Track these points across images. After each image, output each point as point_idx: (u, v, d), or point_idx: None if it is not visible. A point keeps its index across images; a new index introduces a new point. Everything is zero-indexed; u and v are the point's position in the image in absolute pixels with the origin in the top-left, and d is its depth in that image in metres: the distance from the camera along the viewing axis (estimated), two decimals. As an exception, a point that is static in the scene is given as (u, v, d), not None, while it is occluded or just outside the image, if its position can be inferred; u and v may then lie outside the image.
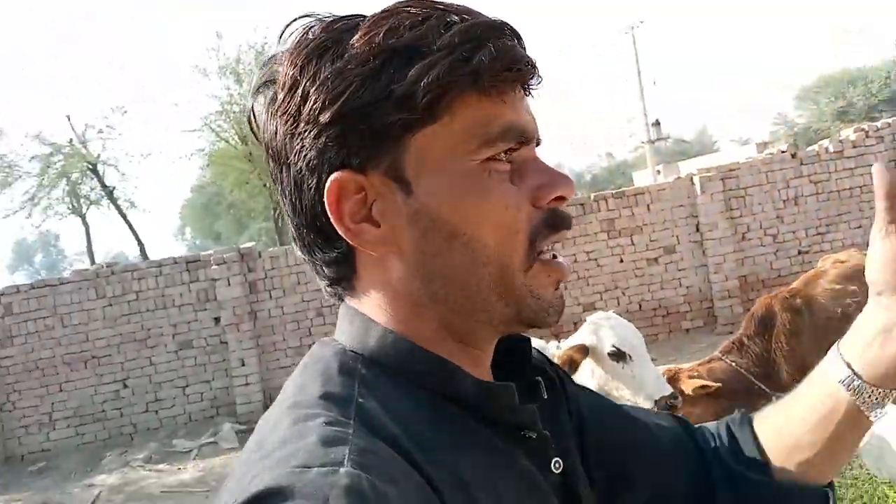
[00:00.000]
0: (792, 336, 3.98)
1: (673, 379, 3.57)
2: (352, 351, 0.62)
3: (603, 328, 3.11)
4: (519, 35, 0.62)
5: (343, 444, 0.50)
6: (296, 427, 0.54)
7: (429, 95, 0.57)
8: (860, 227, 8.81)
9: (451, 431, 0.58)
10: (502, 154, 0.60)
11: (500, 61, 0.58)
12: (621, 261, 8.86)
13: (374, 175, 0.60)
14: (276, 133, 0.62)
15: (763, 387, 3.79)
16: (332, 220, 0.60)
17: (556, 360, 2.82)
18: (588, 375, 3.09)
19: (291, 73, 0.60)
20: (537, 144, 0.65)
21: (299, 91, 0.60)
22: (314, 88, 0.59)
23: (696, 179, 8.76)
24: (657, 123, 26.65)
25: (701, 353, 6.02)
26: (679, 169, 21.27)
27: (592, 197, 9.01)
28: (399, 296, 0.63)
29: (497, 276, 0.60)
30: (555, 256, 0.63)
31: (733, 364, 3.86)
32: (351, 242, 0.61)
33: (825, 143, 9.20)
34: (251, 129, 0.66)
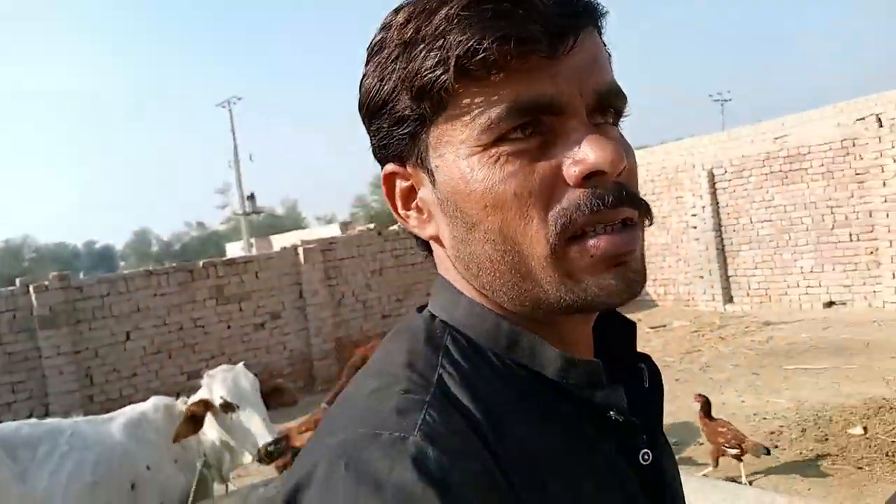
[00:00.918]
0: None
1: (285, 438, 4.06)
2: (441, 321, 0.63)
3: (215, 380, 3.12)
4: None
5: (417, 413, 0.52)
6: (377, 393, 0.56)
7: (428, 86, 0.56)
8: (429, 294, 10.40)
9: (530, 408, 0.57)
10: (516, 133, 0.55)
11: (477, 40, 0.53)
12: (228, 327, 9.09)
13: (411, 166, 0.61)
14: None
15: None
16: (389, 206, 0.65)
17: (181, 417, 2.93)
18: (209, 427, 3.07)
19: (365, 65, 0.63)
20: (604, 103, 0.58)
21: (361, 83, 0.63)
22: (364, 81, 0.62)
23: (300, 250, 9.58)
24: (252, 197, 27.49)
25: (302, 411, 6.57)
26: (271, 242, 22.13)
27: (202, 264, 9.14)
28: (458, 276, 0.63)
29: (523, 263, 0.57)
30: (611, 230, 0.56)
31: None
32: (404, 226, 0.65)
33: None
34: None
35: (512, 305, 0.60)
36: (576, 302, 0.57)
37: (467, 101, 0.56)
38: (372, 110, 0.62)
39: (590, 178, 0.56)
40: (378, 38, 0.61)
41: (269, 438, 3.07)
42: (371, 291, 10.20)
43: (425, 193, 0.62)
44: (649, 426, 0.64)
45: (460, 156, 0.58)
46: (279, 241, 18.92)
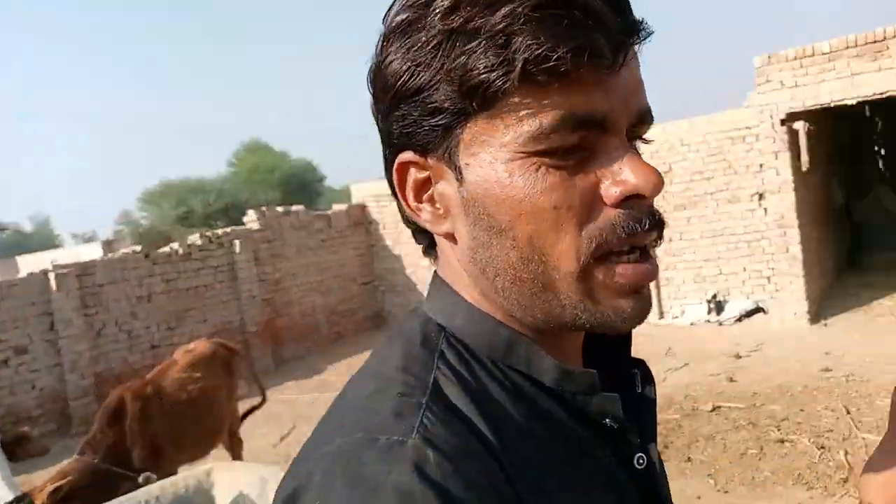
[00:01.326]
0: (143, 423, 4.42)
1: (27, 496, 3.58)
2: (437, 324, 0.62)
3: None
4: (614, 6, 0.55)
5: (414, 416, 0.52)
6: (372, 396, 0.56)
7: (473, 83, 0.53)
8: (205, 320, 9.94)
9: (527, 414, 0.57)
10: (559, 147, 0.54)
11: (550, 46, 0.51)
12: (-40, 365, 7.90)
13: (434, 158, 0.59)
14: (372, 103, 0.63)
15: (124, 471, 4.12)
16: (398, 195, 0.62)
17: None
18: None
19: (379, 47, 0.60)
20: (638, 125, 0.58)
21: (381, 65, 0.59)
22: (388, 65, 0.58)
23: (50, 276, 8.55)
24: (-7, 213, 24.25)
25: (57, 457, 5.88)
26: (17, 263, 19.77)
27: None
28: (466, 277, 0.62)
29: (546, 276, 0.56)
30: (641, 257, 0.57)
31: (92, 460, 4.09)
32: (413, 220, 0.63)
33: (175, 245, 10.13)
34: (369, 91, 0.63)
35: (521, 313, 0.59)
36: (590, 322, 0.57)
37: (517, 104, 0.54)
38: (401, 95, 0.58)
39: (627, 199, 0.55)
40: (407, 17, 0.57)
41: (10, 497, 2.84)
42: (137, 320, 9.35)
43: (445, 189, 0.60)
44: (643, 431, 0.64)
45: (499, 159, 0.56)
46: (27, 264, 16.88)
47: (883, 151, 12.67)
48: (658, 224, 0.57)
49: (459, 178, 0.58)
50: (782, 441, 5.26)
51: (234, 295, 10.37)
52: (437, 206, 0.61)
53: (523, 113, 0.54)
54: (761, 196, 8.85)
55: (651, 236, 0.57)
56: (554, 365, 0.59)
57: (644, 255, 0.57)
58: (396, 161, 0.61)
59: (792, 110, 8.29)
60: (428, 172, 0.60)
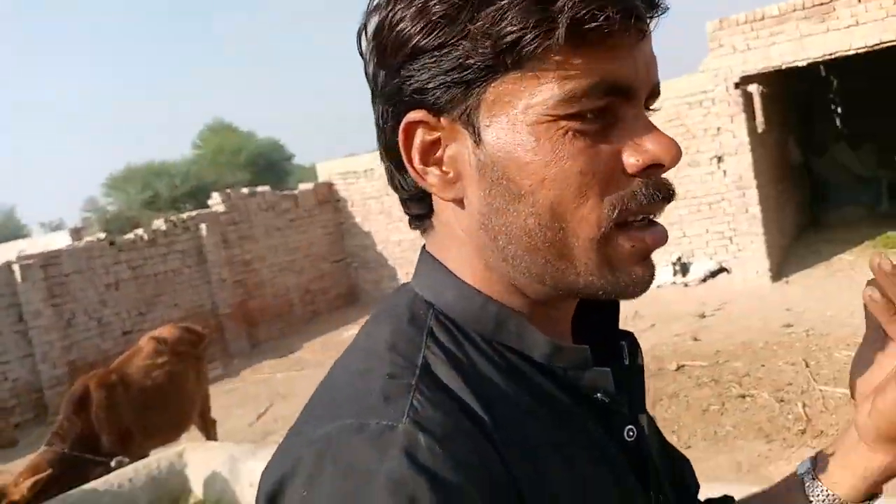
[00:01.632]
0: (109, 409, 4.47)
1: (1, 495, 3.63)
2: (425, 301, 0.61)
3: None
4: None
5: (403, 399, 0.51)
6: (359, 378, 0.54)
7: (509, 40, 0.51)
8: (176, 305, 9.92)
9: (518, 391, 0.56)
10: (588, 112, 0.53)
11: (598, 6, 0.50)
12: (-72, 361, 7.82)
13: (448, 118, 0.57)
14: (369, 61, 0.60)
15: (94, 458, 4.20)
16: (403, 158, 0.59)
17: None
18: None
19: (380, 3, 0.58)
20: (651, 98, 0.58)
21: (387, 22, 0.56)
22: (400, 21, 0.55)
23: (15, 267, 8.46)
24: (-48, 205, 23.72)
25: (32, 446, 5.91)
26: (-16, 255, 19.36)
27: None
28: (470, 246, 0.60)
29: (564, 243, 0.55)
30: (651, 223, 0.57)
31: (61, 450, 4.15)
32: (418, 183, 0.60)
33: (140, 231, 10.06)
34: (359, 51, 0.61)
35: (529, 282, 0.59)
36: (604, 289, 0.57)
37: (553, 65, 0.52)
38: (417, 51, 0.55)
39: (647, 168, 0.56)
40: None
41: None
42: (107, 308, 9.32)
43: (458, 151, 0.58)
44: (632, 402, 0.64)
45: (523, 121, 0.54)
46: (-8, 255, 16.58)
47: (839, 110, 12.89)
48: (672, 195, 0.58)
49: (477, 140, 0.56)
50: (743, 396, 5.45)
51: (203, 279, 10.36)
52: (446, 169, 0.58)
53: (557, 74, 0.52)
54: (720, 159, 9.00)
55: (664, 206, 0.58)
56: (545, 340, 0.59)
57: (653, 222, 0.58)
58: (404, 121, 0.58)
59: (745, 73, 8.42)
60: (438, 134, 0.58)
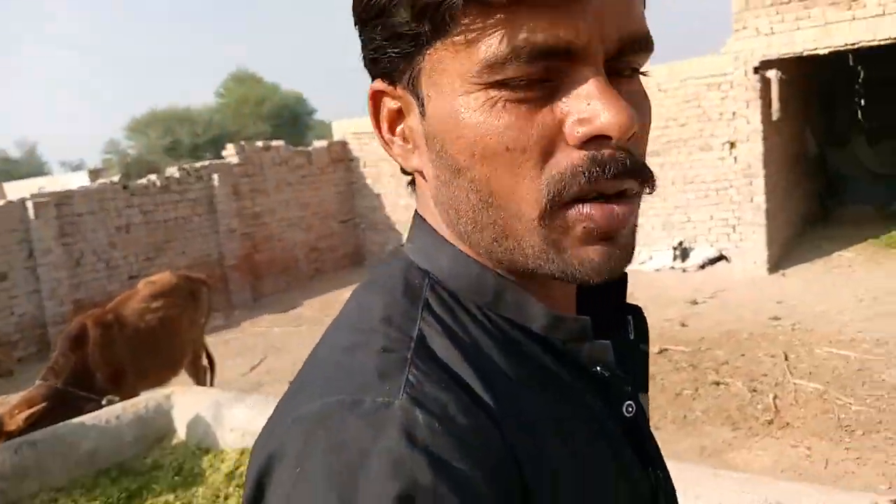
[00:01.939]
0: (105, 348, 4.61)
1: None
2: (420, 268, 0.58)
3: None
4: None
5: (400, 374, 0.48)
6: (352, 352, 0.52)
7: (422, 4, 0.49)
8: (184, 252, 10.11)
9: (517, 364, 0.54)
10: (517, 79, 0.49)
11: None
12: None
13: (402, 87, 0.55)
14: None
15: (87, 394, 4.34)
16: (373, 126, 0.58)
17: None
18: None
19: None
20: (631, 54, 0.51)
21: None
22: None
23: (29, 204, 8.68)
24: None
25: (32, 381, 6.11)
26: (4, 190, 19.76)
27: None
28: (440, 217, 0.58)
29: (506, 223, 0.52)
30: (614, 200, 0.51)
31: (56, 385, 4.28)
32: (387, 153, 0.59)
33: (153, 177, 10.20)
34: None
35: (488, 260, 0.56)
36: (554, 273, 0.53)
37: (472, 29, 0.49)
38: (363, 18, 0.54)
39: (594, 140, 0.50)
40: None
41: None
42: (116, 250, 9.52)
43: (413, 122, 0.56)
44: (633, 378, 0.62)
45: (456, 90, 0.51)
46: (14, 190, 16.91)
47: (863, 102, 12.67)
48: (633, 170, 0.51)
49: (422, 111, 0.54)
50: (718, 383, 5.54)
51: (213, 228, 10.52)
52: (407, 140, 0.57)
53: (481, 42, 0.49)
54: (732, 144, 8.93)
55: (623, 184, 0.51)
56: (544, 311, 0.56)
57: (619, 198, 0.51)
58: (370, 89, 0.57)
59: (766, 58, 8.28)
60: (399, 104, 0.56)
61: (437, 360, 0.51)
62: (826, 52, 8.05)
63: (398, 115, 0.57)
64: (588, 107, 0.49)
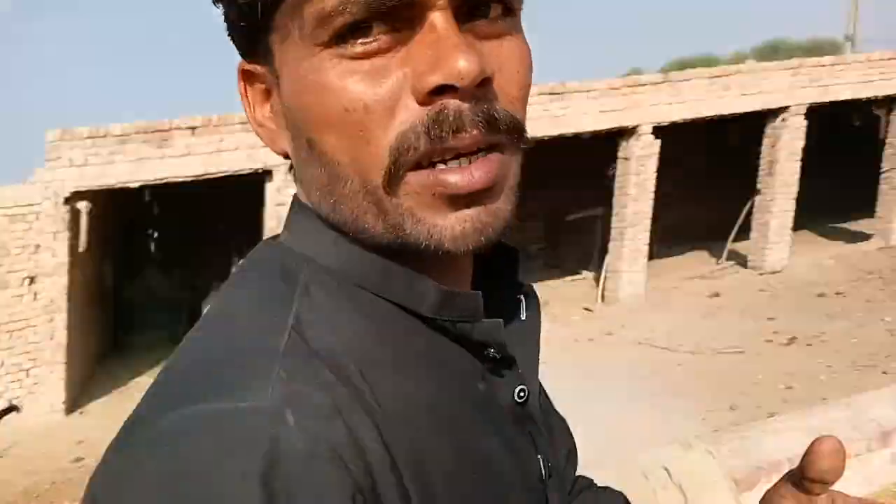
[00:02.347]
0: None
1: None
2: (298, 253, 0.53)
3: None
4: None
5: (269, 372, 0.43)
6: (218, 349, 0.46)
7: None
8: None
9: (404, 350, 0.50)
10: (350, 34, 0.44)
11: None
12: None
13: (262, 65, 0.51)
14: None
15: None
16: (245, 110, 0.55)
17: None
18: None
19: None
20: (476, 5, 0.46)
21: None
22: None
23: None
24: None
25: None
26: None
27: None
28: (311, 198, 0.53)
29: (361, 193, 0.47)
30: (473, 160, 0.46)
31: None
32: (257, 135, 0.55)
33: None
34: None
35: (368, 240, 0.50)
36: (407, 247, 0.48)
37: None
38: None
39: (439, 92, 0.44)
40: None
41: None
42: None
43: (275, 100, 0.52)
44: (526, 361, 0.58)
45: (300, 58, 0.47)
46: None
47: (156, 234, 13.51)
48: (484, 121, 0.45)
49: (279, 86, 0.50)
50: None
51: None
52: (275, 121, 0.53)
53: None
54: (32, 279, 8.22)
55: (472, 139, 0.45)
56: (434, 289, 0.51)
57: (477, 155, 0.46)
58: (237, 69, 0.53)
59: (78, 189, 8.17)
60: (265, 83, 0.52)
61: (312, 353, 0.46)
62: (137, 185, 8.48)
63: (266, 96, 0.53)
64: (430, 54, 0.45)
